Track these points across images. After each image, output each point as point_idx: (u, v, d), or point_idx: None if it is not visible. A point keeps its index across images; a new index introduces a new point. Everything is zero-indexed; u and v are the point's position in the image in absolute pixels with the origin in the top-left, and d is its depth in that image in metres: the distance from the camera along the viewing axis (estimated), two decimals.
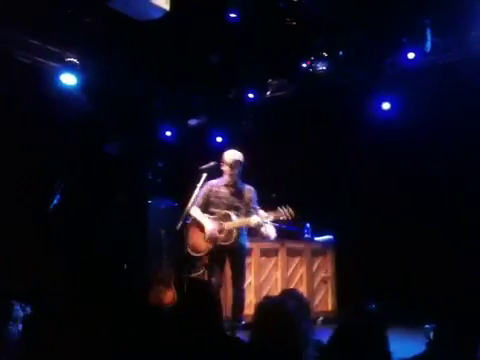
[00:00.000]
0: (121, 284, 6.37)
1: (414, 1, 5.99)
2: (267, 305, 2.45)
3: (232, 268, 5.35)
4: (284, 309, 2.35)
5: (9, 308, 3.18)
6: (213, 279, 5.21)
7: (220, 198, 5.31)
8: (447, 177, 6.72)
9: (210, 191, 5.34)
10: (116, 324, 2.89)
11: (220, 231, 5.19)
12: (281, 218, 5.14)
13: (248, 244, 5.51)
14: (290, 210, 5.10)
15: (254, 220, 5.12)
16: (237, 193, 5.32)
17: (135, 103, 7.66)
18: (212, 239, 5.17)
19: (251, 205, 5.31)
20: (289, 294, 3.09)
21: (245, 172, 5.48)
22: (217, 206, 5.30)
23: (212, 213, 5.31)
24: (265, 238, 5.53)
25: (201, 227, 5.26)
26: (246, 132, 8.03)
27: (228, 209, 5.24)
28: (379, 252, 6.97)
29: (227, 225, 5.17)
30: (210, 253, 5.25)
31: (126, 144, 7.79)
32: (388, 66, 6.77)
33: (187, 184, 5.51)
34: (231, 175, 5.29)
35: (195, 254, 5.32)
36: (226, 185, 5.36)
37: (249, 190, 5.36)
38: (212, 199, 5.33)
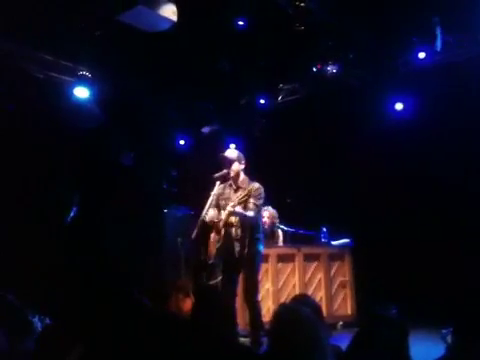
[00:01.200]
0: (136, 293, 6.39)
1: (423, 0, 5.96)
2: (283, 313, 2.43)
3: (242, 278, 5.18)
4: (300, 316, 2.33)
5: (28, 324, 3.22)
6: (225, 287, 5.06)
7: (225, 199, 5.23)
8: (467, 177, 6.62)
9: (216, 195, 5.27)
10: (129, 333, 2.91)
11: (218, 232, 5.10)
12: (248, 194, 4.95)
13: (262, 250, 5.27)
14: (255, 186, 5.05)
15: (224, 213, 4.98)
16: (239, 192, 5.18)
17: (148, 113, 7.74)
18: (213, 242, 5.10)
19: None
20: (301, 300, 3.08)
21: (259, 177, 5.45)
22: (223, 207, 5.22)
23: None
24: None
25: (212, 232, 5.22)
26: (259, 138, 8.05)
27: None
28: (397, 254, 6.91)
29: (220, 225, 5.08)
30: (218, 258, 5.12)
31: (141, 154, 7.86)
32: (399, 66, 6.74)
33: (202, 192, 5.53)
34: (229, 174, 5.21)
35: (210, 261, 5.21)
36: (230, 185, 5.30)
37: (252, 187, 5.12)
38: (221, 202, 5.25)
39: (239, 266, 5.13)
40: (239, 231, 5.06)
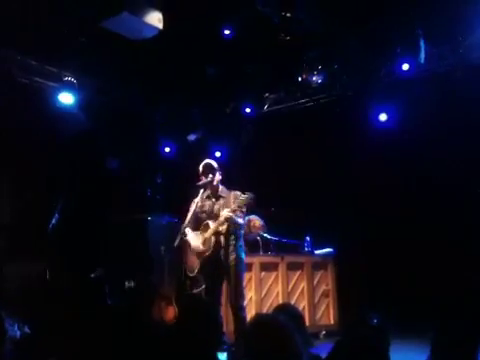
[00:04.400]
0: (122, 301, 6.35)
1: (407, 11, 6.04)
2: (258, 321, 2.42)
3: (227, 284, 5.15)
4: (275, 324, 2.32)
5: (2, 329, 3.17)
6: (209, 297, 5.06)
7: (205, 212, 5.21)
8: (447, 186, 6.69)
9: (196, 207, 5.22)
10: (115, 341, 2.89)
11: (203, 243, 5.08)
12: (245, 203, 4.94)
13: (244, 258, 5.24)
14: (248, 194, 4.97)
15: (222, 216, 4.94)
16: (220, 201, 5.17)
17: (133, 119, 7.71)
18: (198, 253, 5.08)
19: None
20: (283, 309, 3.07)
21: (243, 186, 5.44)
22: (203, 220, 5.19)
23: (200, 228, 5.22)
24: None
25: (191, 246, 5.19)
26: (244, 146, 8.06)
27: (210, 219, 5.11)
28: (379, 263, 6.94)
29: (206, 234, 5.06)
30: (202, 270, 5.10)
31: (125, 160, 7.82)
32: (383, 76, 6.80)
33: (186, 200, 5.51)
34: (208, 184, 5.18)
35: (192, 274, 5.21)
36: (208, 196, 5.26)
37: (234, 195, 5.11)
38: (200, 215, 5.22)
39: (223, 274, 5.13)
40: (227, 240, 5.06)
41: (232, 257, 5.05)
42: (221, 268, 5.09)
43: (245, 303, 5.25)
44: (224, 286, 5.26)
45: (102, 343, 2.80)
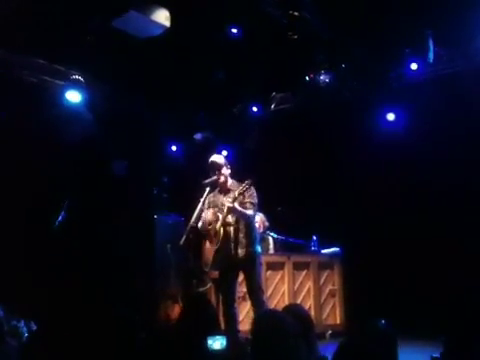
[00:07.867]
0: (127, 301, 6.35)
1: (416, 12, 6.01)
2: (263, 320, 2.42)
3: (245, 281, 5.15)
4: (280, 325, 2.32)
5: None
6: (221, 296, 5.04)
7: (217, 206, 5.20)
8: (454, 188, 6.66)
9: (209, 203, 5.25)
10: (118, 341, 2.89)
11: (214, 235, 5.03)
12: (243, 190, 4.93)
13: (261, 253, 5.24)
14: (246, 181, 4.97)
15: (226, 207, 4.92)
16: (229, 194, 5.13)
17: (140, 120, 7.72)
18: (212, 247, 5.03)
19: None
20: (292, 310, 3.05)
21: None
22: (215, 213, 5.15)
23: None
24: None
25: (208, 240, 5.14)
26: (251, 146, 8.05)
27: (221, 212, 5.07)
28: (386, 263, 6.91)
29: (217, 226, 5.02)
30: (215, 265, 5.04)
31: (132, 160, 7.82)
32: (391, 78, 6.77)
33: (193, 199, 5.51)
34: (218, 179, 5.19)
35: (206, 269, 5.14)
36: (219, 191, 5.28)
37: (242, 187, 5.05)
38: (214, 209, 5.20)
39: (235, 269, 5.10)
40: (237, 232, 5.03)
41: (243, 252, 5.01)
42: (232, 263, 5.04)
43: (265, 297, 5.21)
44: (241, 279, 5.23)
45: (105, 342, 2.81)
